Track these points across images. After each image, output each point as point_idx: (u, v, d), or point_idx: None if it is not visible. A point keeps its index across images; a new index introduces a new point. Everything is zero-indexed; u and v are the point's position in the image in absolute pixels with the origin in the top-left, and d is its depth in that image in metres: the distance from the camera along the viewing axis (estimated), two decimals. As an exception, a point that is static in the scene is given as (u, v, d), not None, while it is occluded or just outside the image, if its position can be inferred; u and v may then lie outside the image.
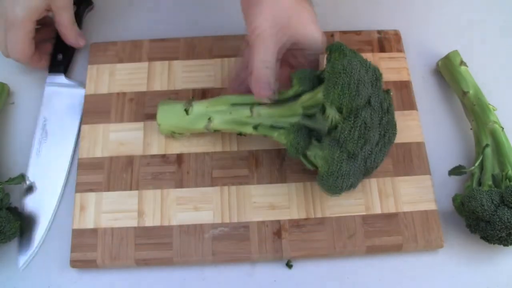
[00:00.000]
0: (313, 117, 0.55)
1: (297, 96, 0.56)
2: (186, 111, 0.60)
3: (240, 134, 0.61)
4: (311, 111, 0.55)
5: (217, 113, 0.59)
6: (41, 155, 0.64)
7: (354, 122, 0.52)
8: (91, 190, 0.61)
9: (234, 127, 0.59)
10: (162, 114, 0.61)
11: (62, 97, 0.67)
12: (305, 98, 0.55)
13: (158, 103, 0.62)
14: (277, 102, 0.57)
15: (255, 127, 0.58)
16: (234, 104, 0.59)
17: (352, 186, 0.55)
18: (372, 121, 0.53)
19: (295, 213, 0.60)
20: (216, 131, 0.61)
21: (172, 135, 0.63)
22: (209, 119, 0.60)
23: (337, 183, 0.54)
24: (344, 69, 0.51)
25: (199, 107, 0.60)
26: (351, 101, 0.51)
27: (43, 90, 0.67)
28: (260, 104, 0.58)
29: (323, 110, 0.54)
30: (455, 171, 0.61)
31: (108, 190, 0.61)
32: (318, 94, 0.54)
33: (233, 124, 0.59)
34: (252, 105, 0.58)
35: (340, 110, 0.52)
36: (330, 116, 0.53)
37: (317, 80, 0.56)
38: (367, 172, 0.56)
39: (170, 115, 0.61)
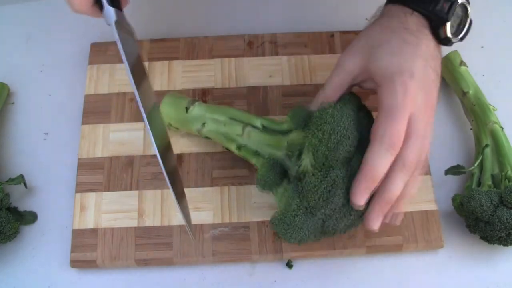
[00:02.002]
0: (292, 157, 0.53)
1: (289, 131, 0.55)
2: (187, 109, 0.60)
3: (226, 148, 0.60)
4: (293, 151, 0.53)
5: (213, 121, 0.59)
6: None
7: (322, 178, 0.50)
8: (91, 190, 0.61)
9: (222, 140, 0.59)
10: (165, 104, 0.61)
11: None
12: (293, 135, 0.54)
13: (167, 94, 0.62)
14: (270, 131, 0.56)
15: (239, 148, 0.58)
16: (231, 118, 0.58)
17: (301, 240, 0.53)
18: (344, 184, 0.50)
19: (295, 213, 0.60)
20: (206, 137, 0.61)
21: (169, 127, 0.62)
22: (203, 124, 0.60)
23: (287, 232, 0.52)
24: (333, 117, 0.49)
25: (199, 110, 0.60)
26: (327, 152, 0.49)
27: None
28: (253, 126, 0.57)
29: (299, 154, 0.52)
30: (452, 170, 0.61)
31: (108, 190, 0.61)
32: (303, 135, 0.52)
33: (222, 136, 0.59)
34: (246, 124, 0.57)
35: (314, 160, 0.50)
36: (304, 163, 0.51)
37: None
38: (325, 233, 0.54)
39: (172, 106, 0.61)
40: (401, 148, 0.49)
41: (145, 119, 0.49)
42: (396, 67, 0.50)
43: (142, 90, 0.50)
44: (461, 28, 0.56)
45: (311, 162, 0.50)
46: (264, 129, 0.57)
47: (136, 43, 0.54)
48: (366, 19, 0.73)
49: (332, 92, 0.54)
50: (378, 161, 0.49)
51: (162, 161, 0.49)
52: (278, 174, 0.54)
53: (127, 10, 0.71)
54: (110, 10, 0.52)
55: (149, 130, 0.49)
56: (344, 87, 0.54)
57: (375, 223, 0.50)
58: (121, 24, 0.53)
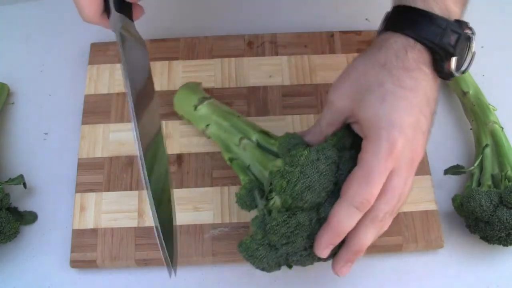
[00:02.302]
0: (270, 185, 0.50)
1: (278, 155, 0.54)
2: (195, 106, 0.61)
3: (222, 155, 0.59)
4: (272, 179, 0.50)
5: (216, 125, 0.59)
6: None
7: (287, 218, 0.47)
8: (91, 190, 0.61)
9: (221, 145, 0.59)
10: (179, 95, 0.63)
11: None
12: (278, 163, 0.51)
13: (186, 82, 0.63)
14: (265, 148, 0.55)
15: (231, 160, 0.57)
16: (233, 126, 0.58)
17: (264, 269, 0.52)
18: (310, 228, 0.48)
19: (295, 213, 0.60)
20: (209, 138, 0.61)
21: (181, 117, 0.63)
22: (207, 125, 0.60)
23: (251, 259, 0.50)
24: (302, 166, 0.47)
25: (206, 109, 0.60)
26: (291, 200, 0.47)
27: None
28: (250, 139, 0.56)
29: (271, 184, 0.50)
30: (452, 170, 0.61)
31: (108, 190, 0.61)
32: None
33: (221, 142, 0.59)
34: (243, 136, 0.57)
35: (281, 200, 0.48)
36: (274, 198, 0.49)
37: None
38: (289, 266, 0.53)
39: (183, 100, 0.62)
40: (374, 203, 0.46)
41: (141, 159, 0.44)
42: (385, 120, 0.45)
43: (144, 122, 0.45)
44: (463, 60, 0.50)
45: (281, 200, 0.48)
46: (259, 145, 0.56)
47: (147, 58, 0.50)
48: (366, 19, 0.73)
49: (326, 127, 0.51)
50: (345, 218, 0.46)
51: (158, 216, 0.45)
52: (254, 198, 0.52)
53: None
54: (116, 16, 0.49)
55: (143, 172, 0.44)
56: (337, 124, 0.50)
57: (342, 271, 0.49)
58: (129, 33, 0.49)
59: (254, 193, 0.52)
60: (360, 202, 0.45)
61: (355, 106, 0.47)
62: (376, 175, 0.45)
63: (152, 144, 0.47)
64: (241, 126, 0.58)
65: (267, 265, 0.51)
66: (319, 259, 0.51)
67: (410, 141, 0.46)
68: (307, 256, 0.50)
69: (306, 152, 0.47)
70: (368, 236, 0.47)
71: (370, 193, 0.45)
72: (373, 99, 0.46)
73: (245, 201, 0.52)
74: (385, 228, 0.49)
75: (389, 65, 0.46)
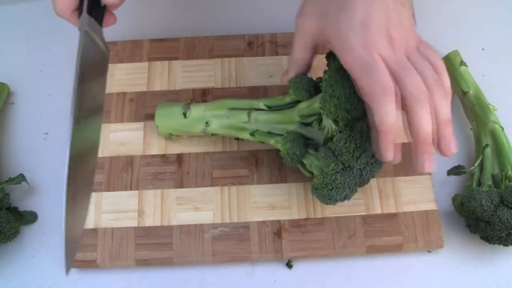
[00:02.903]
0: (309, 126, 0.55)
1: (294, 103, 0.56)
2: (184, 114, 0.60)
3: (237, 139, 0.61)
4: (308, 120, 0.55)
5: (215, 117, 0.59)
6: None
7: (350, 133, 0.51)
8: (91, 190, 0.61)
9: (231, 132, 0.59)
10: (160, 117, 0.61)
11: None
12: (302, 106, 0.55)
13: (157, 104, 0.62)
14: (275, 108, 0.57)
15: (252, 134, 0.58)
16: (232, 109, 0.59)
17: (346, 197, 0.55)
18: (369, 132, 0.51)
19: (295, 213, 0.60)
20: (213, 135, 0.61)
21: (170, 137, 0.62)
22: (207, 123, 0.60)
23: (331, 194, 0.53)
24: (342, 80, 0.50)
25: (197, 111, 0.60)
26: (347, 113, 0.50)
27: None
28: (257, 109, 0.58)
29: (319, 120, 0.54)
30: (454, 171, 0.61)
31: (108, 190, 0.61)
32: (315, 104, 0.53)
33: (230, 129, 0.59)
34: (249, 110, 0.58)
35: (336, 121, 0.51)
36: (326, 126, 0.53)
37: (314, 89, 0.55)
38: (362, 182, 0.56)
39: (168, 117, 0.61)
40: (397, 84, 0.46)
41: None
42: (349, 25, 0.47)
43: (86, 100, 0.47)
44: None
45: (334, 124, 0.51)
46: (269, 108, 0.58)
47: (103, 65, 0.52)
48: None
49: (300, 54, 0.53)
50: (383, 112, 0.46)
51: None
52: (301, 146, 0.55)
53: (127, 10, 0.71)
54: (85, 18, 0.49)
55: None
56: (309, 48, 0.52)
57: (428, 165, 0.48)
58: (92, 37, 0.50)
59: (302, 131, 0.55)
60: (380, 89, 0.46)
61: (320, 23, 0.49)
62: (370, 66, 0.46)
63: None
64: (240, 104, 0.59)
65: (349, 190, 0.54)
66: (383, 163, 0.55)
67: (385, 27, 0.47)
68: (375, 163, 0.54)
69: (334, 68, 0.50)
70: (422, 118, 0.46)
71: (378, 79, 0.46)
72: (333, 9, 0.48)
73: (294, 154, 0.54)
74: (444, 98, 0.49)
75: None
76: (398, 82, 0.46)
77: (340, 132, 0.51)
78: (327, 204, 0.56)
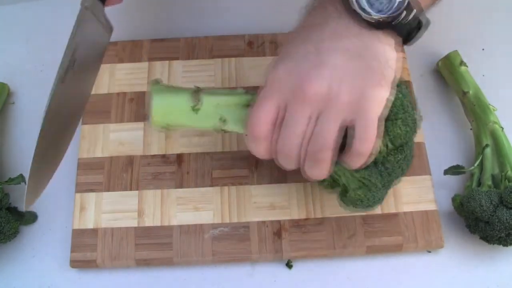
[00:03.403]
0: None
1: None
2: (193, 107, 0.51)
3: None
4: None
5: (231, 113, 0.51)
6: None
7: (399, 155, 0.51)
8: (91, 190, 0.61)
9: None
10: (159, 108, 0.51)
11: None
12: None
13: (151, 88, 0.52)
14: None
15: None
16: (252, 101, 0.50)
17: (380, 201, 0.55)
18: (411, 153, 0.52)
19: (295, 213, 0.60)
20: (226, 132, 0.53)
21: (167, 129, 0.54)
22: (221, 119, 0.51)
23: (372, 204, 0.54)
24: (402, 105, 0.49)
25: (209, 104, 0.51)
26: (408, 136, 0.50)
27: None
28: None
29: None
30: (451, 170, 0.61)
31: (108, 190, 0.61)
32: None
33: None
34: None
35: (386, 144, 0.50)
36: (381, 149, 0.50)
37: None
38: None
39: (170, 110, 0.52)
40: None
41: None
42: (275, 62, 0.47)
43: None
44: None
45: (384, 145, 0.50)
46: None
47: (104, 41, 0.52)
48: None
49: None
50: (253, 149, 0.49)
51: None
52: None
53: (127, 10, 0.72)
54: None
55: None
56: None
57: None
58: (93, 14, 0.50)
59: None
60: (249, 128, 0.47)
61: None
62: (259, 100, 0.47)
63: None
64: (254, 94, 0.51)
65: (382, 198, 0.54)
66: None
67: (296, 69, 0.45)
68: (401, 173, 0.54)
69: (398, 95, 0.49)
70: (305, 169, 0.49)
71: (255, 117, 0.47)
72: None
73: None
74: (314, 164, 0.48)
75: (308, 26, 0.48)
76: (277, 133, 0.47)
77: (391, 154, 0.51)
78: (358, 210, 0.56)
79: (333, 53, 0.45)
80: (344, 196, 0.54)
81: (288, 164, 0.49)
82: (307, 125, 0.46)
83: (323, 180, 0.54)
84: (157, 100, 0.52)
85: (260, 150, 0.49)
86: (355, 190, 0.53)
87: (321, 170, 0.48)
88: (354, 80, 0.45)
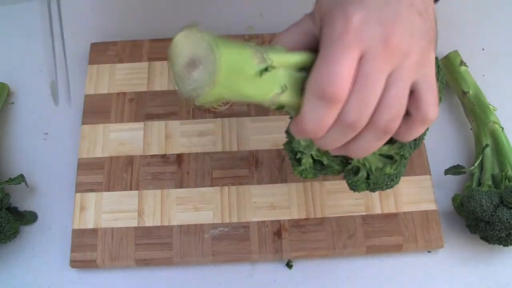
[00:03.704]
0: None
1: None
2: (259, 69, 0.38)
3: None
4: None
5: (291, 78, 0.39)
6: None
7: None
8: (91, 190, 0.61)
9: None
10: (227, 64, 0.36)
11: None
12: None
13: (206, 37, 0.36)
14: None
15: None
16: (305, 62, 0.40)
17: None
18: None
19: (295, 213, 0.60)
20: (279, 107, 0.41)
21: (214, 103, 0.39)
22: (282, 87, 0.39)
23: (395, 183, 0.52)
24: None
25: (277, 64, 0.39)
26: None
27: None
28: None
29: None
30: (451, 170, 0.61)
31: (108, 190, 0.61)
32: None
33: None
34: None
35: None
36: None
37: None
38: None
39: (237, 70, 0.37)
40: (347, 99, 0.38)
41: None
42: (339, 3, 0.39)
43: None
44: None
45: None
46: None
47: None
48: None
49: (289, 35, 0.43)
50: (312, 114, 0.38)
51: None
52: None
53: (127, 11, 0.72)
54: None
55: None
56: (303, 34, 0.43)
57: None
58: None
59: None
60: (322, 87, 0.37)
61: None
62: (333, 48, 0.37)
63: None
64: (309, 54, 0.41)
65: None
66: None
67: (376, 15, 0.38)
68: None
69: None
70: (335, 143, 0.41)
71: (327, 72, 0.37)
72: None
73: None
74: (382, 135, 0.40)
75: None
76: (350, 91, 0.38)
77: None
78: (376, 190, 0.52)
79: (409, 7, 0.40)
80: (363, 180, 0.50)
81: (341, 138, 0.40)
82: (384, 87, 0.39)
83: (344, 165, 0.49)
84: (224, 52, 0.36)
85: (327, 118, 0.38)
86: (378, 170, 0.48)
87: (379, 143, 0.41)
88: (420, 39, 0.40)
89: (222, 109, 0.40)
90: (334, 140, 0.41)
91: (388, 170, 0.48)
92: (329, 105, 0.38)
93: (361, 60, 0.38)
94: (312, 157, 0.52)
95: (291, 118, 0.44)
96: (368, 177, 0.51)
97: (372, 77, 0.38)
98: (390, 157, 0.48)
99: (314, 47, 0.41)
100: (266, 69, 0.38)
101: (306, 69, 0.40)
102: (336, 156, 0.50)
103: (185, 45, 0.37)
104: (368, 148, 0.41)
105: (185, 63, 0.37)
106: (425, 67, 0.41)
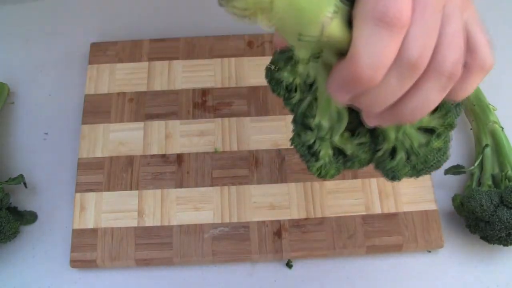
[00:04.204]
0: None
1: None
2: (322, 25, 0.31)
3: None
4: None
5: (340, 5, 0.32)
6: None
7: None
8: (91, 190, 0.61)
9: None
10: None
11: None
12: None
13: None
14: None
15: None
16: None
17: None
18: None
19: (295, 213, 0.60)
20: (321, 47, 0.34)
21: (300, 36, 0.32)
22: (335, 8, 0.32)
23: (445, 159, 0.44)
24: None
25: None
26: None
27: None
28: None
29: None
30: (451, 170, 0.61)
31: (108, 190, 0.61)
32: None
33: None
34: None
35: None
36: None
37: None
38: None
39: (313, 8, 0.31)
40: (408, 37, 0.31)
41: None
42: None
43: None
44: None
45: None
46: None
47: None
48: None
49: None
50: (365, 48, 0.31)
51: None
52: None
53: (127, 10, 0.72)
54: None
55: None
56: None
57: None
58: None
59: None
60: (382, 9, 0.30)
61: None
62: None
63: None
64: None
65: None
66: None
67: None
68: None
69: None
70: (394, 93, 0.33)
71: (397, 2, 0.30)
72: None
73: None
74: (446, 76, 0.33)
75: None
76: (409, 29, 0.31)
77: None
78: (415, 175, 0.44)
79: None
80: (403, 163, 0.42)
81: (397, 88, 0.33)
82: (440, 24, 0.33)
83: (372, 152, 0.42)
84: None
85: (389, 52, 0.31)
86: (423, 147, 0.41)
87: (441, 96, 0.34)
88: None
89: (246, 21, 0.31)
90: (389, 91, 0.33)
91: (436, 143, 0.41)
92: (391, 32, 0.30)
93: None
94: (332, 147, 0.43)
95: (293, 109, 0.39)
96: (408, 159, 0.42)
97: (432, 1, 0.32)
98: (431, 131, 0.41)
99: None
100: (324, 27, 0.31)
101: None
102: (361, 143, 0.42)
103: None
104: (428, 103, 0.34)
105: None
106: (470, 6, 0.35)
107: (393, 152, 0.42)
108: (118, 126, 0.64)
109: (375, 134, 0.41)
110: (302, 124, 0.42)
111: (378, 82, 0.32)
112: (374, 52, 0.30)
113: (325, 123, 0.41)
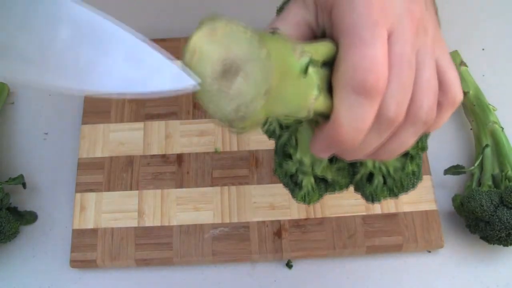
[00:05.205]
0: None
1: None
2: (304, 68, 0.31)
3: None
4: None
5: (322, 78, 0.33)
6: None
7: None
8: (91, 190, 0.61)
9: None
10: (278, 68, 0.28)
11: None
12: None
13: (250, 28, 0.30)
14: None
15: None
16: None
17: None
18: None
19: (295, 213, 0.60)
20: (313, 117, 0.33)
21: (260, 124, 0.31)
22: (319, 88, 0.32)
23: (418, 182, 0.46)
24: None
25: (316, 59, 0.32)
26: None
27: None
28: None
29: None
30: (451, 170, 0.61)
31: (108, 190, 0.61)
32: None
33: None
34: None
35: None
36: None
37: None
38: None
39: (284, 73, 0.29)
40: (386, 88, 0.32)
41: None
42: None
43: None
44: None
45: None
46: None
47: None
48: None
49: (286, 29, 0.36)
50: (346, 117, 0.32)
51: None
52: None
53: (127, 10, 0.71)
54: None
55: None
56: (302, 25, 0.36)
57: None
58: None
59: None
60: (360, 79, 0.31)
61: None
62: (363, 28, 0.31)
63: None
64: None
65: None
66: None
67: None
68: None
69: None
70: (373, 144, 0.35)
71: (368, 58, 0.31)
72: None
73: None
74: (423, 123, 0.35)
75: None
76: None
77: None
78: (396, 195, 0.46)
79: None
80: (382, 187, 0.44)
81: (377, 140, 0.35)
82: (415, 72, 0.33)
83: (351, 176, 0.44)
84: (272, 47, 0.28)
85: (369, 117, 0.32)
86: (398, 171, 0.43)
87: (416, 138, 0.36)
88: (431, 11, 0.36)
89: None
90: (370, 144, 0.35)
91: (410, 167, 0.43)
92: (370, 99, 0.32)
93: (389, 39, 0.32)
94: (314, 176, 0.45)
95: (270, 136, 0.42)
96: (384, 182, 0.45)
97: (407, 57, 0.33)
98: (405, 155, 0.43)
99: (309, 39, 0.36)
100: (308, 65, 0.31)
101: (327, 64, 0.33)
102: (339, 169, 0.44)
103: (210, 47, 0.29)
104: (406, 145, 0.36)
105: (217, 74, 0.28)
106: (440, 42, 0.36)
107: (370, 176, 0.45)
108: (118, 126, 0.64)
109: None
110: (283, 155, 0.44)
111: (359, 142, 0.34)
112: (355, 119, 0.32)
113: (307, 160, 0.43)
